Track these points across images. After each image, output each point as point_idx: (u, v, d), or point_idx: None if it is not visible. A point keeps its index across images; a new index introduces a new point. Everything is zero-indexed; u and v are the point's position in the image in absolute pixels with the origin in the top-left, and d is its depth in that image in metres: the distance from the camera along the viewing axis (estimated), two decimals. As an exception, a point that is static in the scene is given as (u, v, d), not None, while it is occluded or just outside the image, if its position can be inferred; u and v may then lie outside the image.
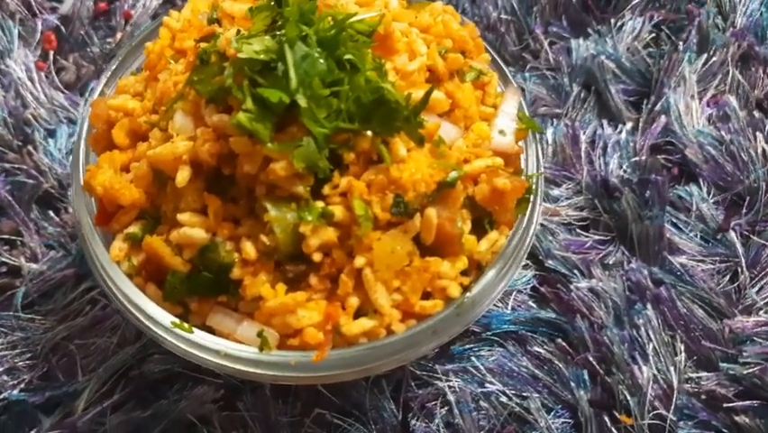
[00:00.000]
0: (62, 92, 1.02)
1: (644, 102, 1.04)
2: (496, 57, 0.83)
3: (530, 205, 0.74)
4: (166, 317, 0.68)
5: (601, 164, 0.98)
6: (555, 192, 0.97)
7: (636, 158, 0.98)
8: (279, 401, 0.83)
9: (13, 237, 0.92)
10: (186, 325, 0.68)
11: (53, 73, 1.03)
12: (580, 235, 0.94)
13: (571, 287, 0.89)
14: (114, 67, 0.81)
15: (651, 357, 0.85)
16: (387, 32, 0.72)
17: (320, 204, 0.66)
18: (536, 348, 0.87)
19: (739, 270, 0.92)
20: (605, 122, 1.03)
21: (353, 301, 0.67)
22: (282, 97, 0.62)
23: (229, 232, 0.68)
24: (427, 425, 0.83)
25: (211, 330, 0.68)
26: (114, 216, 0.71)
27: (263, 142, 0.63)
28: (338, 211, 0.66)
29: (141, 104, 0.74)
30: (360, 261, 0.66)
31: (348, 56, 0.66)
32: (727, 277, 0.92)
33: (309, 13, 0.65)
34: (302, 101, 0.63)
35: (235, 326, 0.67)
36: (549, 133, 1.01)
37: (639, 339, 0.86)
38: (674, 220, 0.95)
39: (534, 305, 0.90)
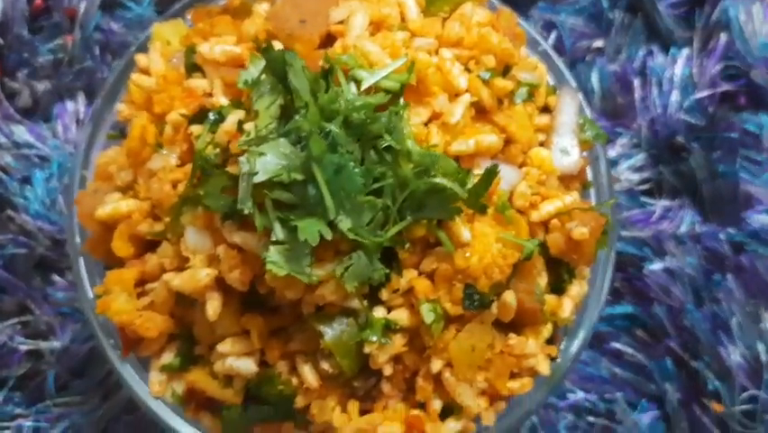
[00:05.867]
0: (22, 124, 0.86)
1: (696, 14, 0.88)
2: (549, 49, 0.69)
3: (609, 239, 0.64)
4: (233, 457, 0.61)
5: (658, 108, 0.84)
6: (610, 153, 0.85)
7: (699, 94, 0.85)
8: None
9: (23, 317, 0.82)
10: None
11: (5, 103, 0.87)
12: (645, 205, 0.83)
13: (645, 271, 0.80)
14: (85, 140, 0.67)
15: (735, 332, 0.79)
16: (420, 76, 0.57)
17: (381, 314, 0.57)
18: (614, 344, 0.81)
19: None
20: (655, 48, 0.88)
21: (437, 405, 0.59)
22: (322, 232, 0.50)
23: (279, 350, 0.59)
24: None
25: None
26: (141, 343, 0.62)
27: (302, 280, 0.52)
28: (403, 317, 0.57)
29: (137, 204, 0.61)
30: (436, 364, 0.58)
31: (386, 142, 0.52)
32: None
33: (329, 102, 0.51)
34: (345, 224, 0.51)
35: (312, 451, 0.61)
36: (593, 76, 0.86)
37: (721, 314, 0.80)
38: (745, 164, 0.84)
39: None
